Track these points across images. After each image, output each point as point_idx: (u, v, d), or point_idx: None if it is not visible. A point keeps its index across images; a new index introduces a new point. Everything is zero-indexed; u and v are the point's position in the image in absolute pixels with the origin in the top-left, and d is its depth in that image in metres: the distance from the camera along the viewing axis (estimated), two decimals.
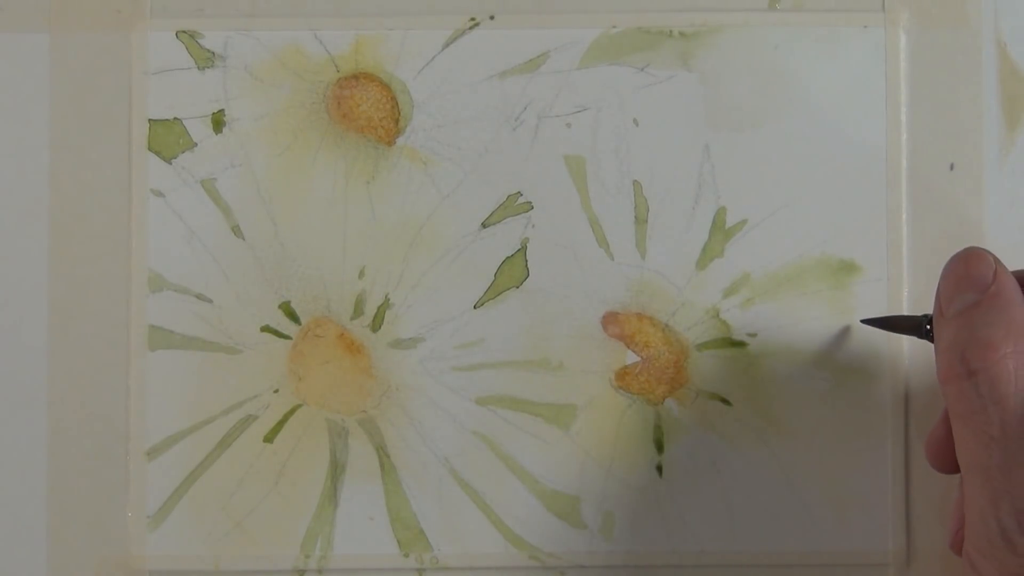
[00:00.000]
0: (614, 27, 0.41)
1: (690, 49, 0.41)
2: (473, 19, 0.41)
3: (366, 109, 0.41)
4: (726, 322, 0.40)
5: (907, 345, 0.40)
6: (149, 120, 0.41)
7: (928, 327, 0.35)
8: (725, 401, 0.40)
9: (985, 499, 0.29)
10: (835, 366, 0.40)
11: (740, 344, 0.40)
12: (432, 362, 0.40)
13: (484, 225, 0.41)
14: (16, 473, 0.40)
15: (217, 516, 0.40)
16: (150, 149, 0.41)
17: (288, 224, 0.41)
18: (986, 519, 0.29)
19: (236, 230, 0.41)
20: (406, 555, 0.40)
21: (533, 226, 0.41)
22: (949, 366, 0.31)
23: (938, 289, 0.33)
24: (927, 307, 0.40)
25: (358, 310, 0.40)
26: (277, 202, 0.41)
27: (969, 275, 0.32)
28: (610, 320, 0.40)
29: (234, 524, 0.40)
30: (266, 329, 0.40)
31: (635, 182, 0.40)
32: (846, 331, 0.40)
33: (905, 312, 0.40)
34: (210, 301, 0.40)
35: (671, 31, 0.41)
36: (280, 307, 0.40)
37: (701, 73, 0.41)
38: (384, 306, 0.40)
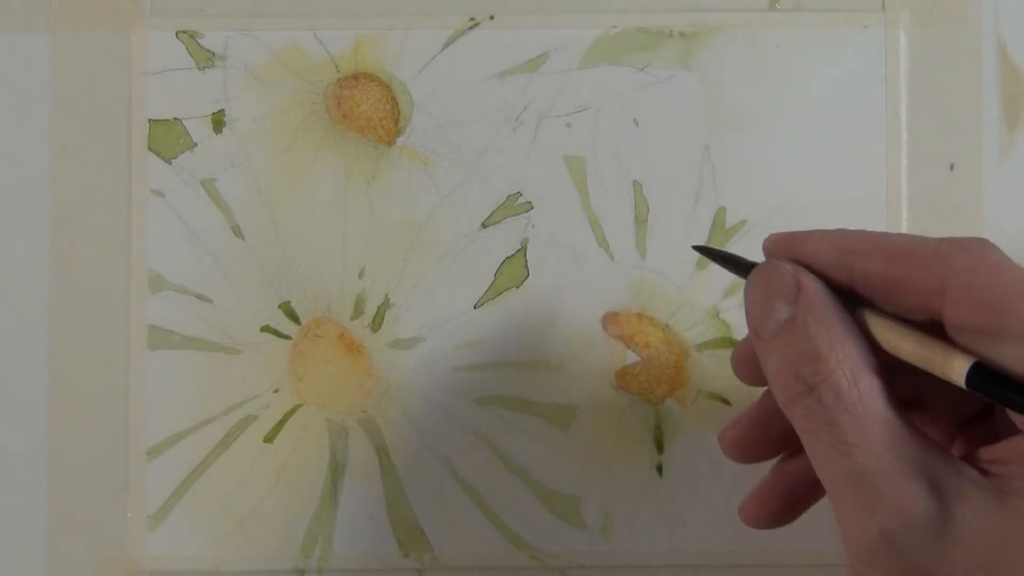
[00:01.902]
0: (614, 27, 0.41)
1: (690, 49, 0.41)
2: (473, 19, 0.41)
3: (366, 109, 0.41)
4: (726, 322, 0.40)
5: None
6: (149, 120, 0.41)
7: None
8: (725, 401, 0.40)
9: (859, 506, 0.28)
10: None
11: None
12: (432, 362, 0.40)
13: (484, 225, 0.41)
14: (16, 473, 0.40)
15: (217, 516, 0.40)
16: (150, 149, 0.41)
17: (288, 224, 0.41)
18: (864, 527, 0.28)
19: (236, 230, 0.41)
20: (406, 555, 0.40)
21: (533, 226, 0.41)
22: (786, 387, 0.29)
23: (747, 312, 0.31)
24: None
25: (358, 310, 0.40)
26: (277, 202, 0.41)
27: (773, 290, 0.30)
28: (610, 320, 0.40)
29: (234, 524, 0.40)
30: (266, 329, 0.40)
31: (635, 182, 0.40)
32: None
33: None
34: (210, 301, 0.40)
35: (671, 31, 0.41)
36: (280, 307, 0.40)
37: (701, 73, 0.41)
38: (384, 306, 0.40)
